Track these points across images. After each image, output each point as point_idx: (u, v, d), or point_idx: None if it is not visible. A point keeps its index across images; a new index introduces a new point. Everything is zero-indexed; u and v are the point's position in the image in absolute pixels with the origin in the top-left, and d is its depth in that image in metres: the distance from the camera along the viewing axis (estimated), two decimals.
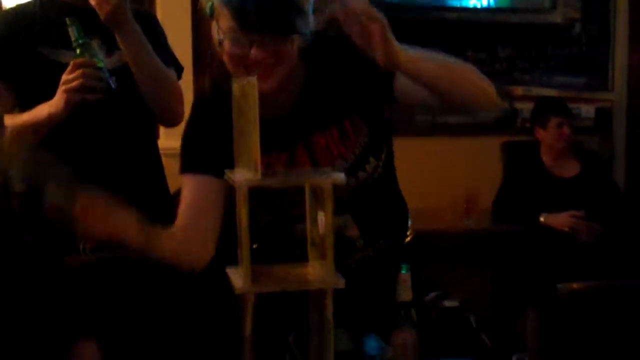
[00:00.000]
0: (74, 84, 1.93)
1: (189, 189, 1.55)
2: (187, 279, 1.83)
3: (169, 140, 2.49)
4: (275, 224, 1.59)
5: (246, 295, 1.08)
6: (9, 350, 1.49)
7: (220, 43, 1.44)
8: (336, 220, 1.13)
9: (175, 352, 1.73)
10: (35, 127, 2.02)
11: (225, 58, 1.45)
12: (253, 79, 1.10)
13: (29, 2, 2.24)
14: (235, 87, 1.19)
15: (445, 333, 1.93)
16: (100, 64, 1.98)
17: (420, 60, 1.37)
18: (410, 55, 1.34)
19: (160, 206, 2.16)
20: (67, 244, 2.02)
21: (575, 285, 2.27)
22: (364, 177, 1.58)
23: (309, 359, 1.25)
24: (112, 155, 2.13)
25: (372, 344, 1.44)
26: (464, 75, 1.48)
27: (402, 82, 1.49)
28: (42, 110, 2.01)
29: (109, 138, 2.14)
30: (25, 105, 2.08)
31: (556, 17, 4.20)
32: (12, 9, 2.24)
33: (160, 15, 3.44)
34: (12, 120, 2.00)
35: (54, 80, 2.02)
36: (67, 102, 1.95)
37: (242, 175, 1.11)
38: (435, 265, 2.21)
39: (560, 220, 3.42)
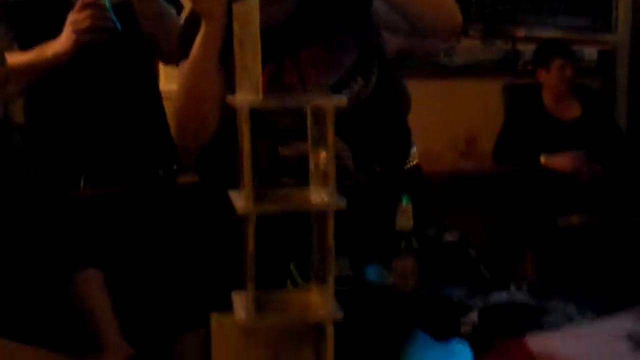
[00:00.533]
0: (83, 24, 1.92)
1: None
2: (189, 207, 1.85)
3: (170, 84, 2.48)
4: (262, 145, 1.59)
5: (248, 216, 1.09)
6: (12, 279, 1.51)
7: None
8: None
9: (177, 278, 1.74)
10: (37, 66, 2.00)
11: None
12: (255, 2, 1.09)
13: None
14: (236, 9, 1.18)
15: (445, 264, 1.95)
16: (107, 4, 1.96)
17: None
18: None
19: (161, 147, 2.17)
20: (68, 178, 2.04)
21: (575, 220, 2.29)
22: (350, 97, 1.58)
23: (310, 284, 1.26)
24: (112, 95, 2.13)
25: (372, 271, 1.46)
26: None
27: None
28: (47, 50, 1.99)
29: (109, 77, 2.13)
30: (25, 43, 2.06)
31: None
32: None
33: None
34: (12, 59, 1.99)
35: (56, 18, 2.01)
36: (76, 42, 1.93)
37: (244, 97, 1.11)
38: (436, 206, 2.22)
39: (561, 161, 3.43)
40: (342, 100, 1.11)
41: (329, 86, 1.57)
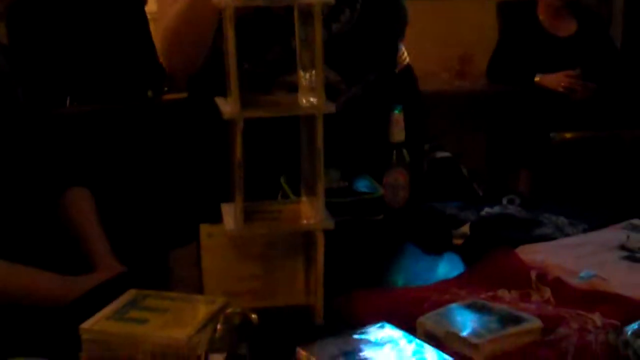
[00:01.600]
0: None
1: None
2: (176, 122, 1.81)
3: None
4: (256, 72, 1.54)
5: (236, 121, 1.05)
6: (1, 201, 1.48)
7: None
8: None
9: (166, 194, 1.72)
10: None
11: None
12: None
13: None
14: None
15: (438, 180, 1.93)
16: None
17: None
18: None
19: (151, 68, 2.13)
20: (54, 97, 2.00)
21: (568, 135, 2.26)
22: (338, 29, 1.55)
23: (300, 195, 1.23)
24: (99, 15, 2.08)
25: (363, 182, 1.43)
26: None
27: None
28: None
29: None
30: None
31: None
32: None
33: None
34: None
35: None
36: None
37: None
38: (430, 126, 2.19)
39: (555, 79, 3.39)
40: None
41: None
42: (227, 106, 1.07)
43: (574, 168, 2.28)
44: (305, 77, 1.14)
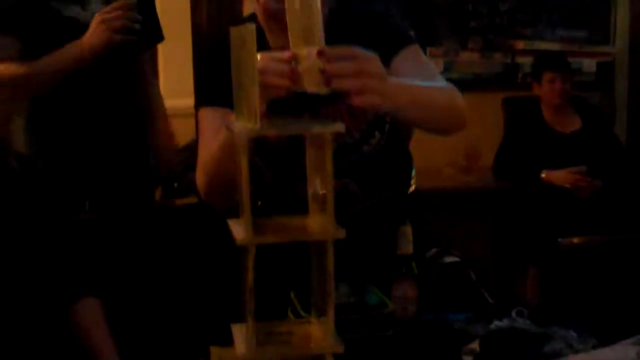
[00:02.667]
0: (117, 23, 1.91)
1: (208, 121, 1.51)
2: (188, 233, 1.83)
3: (173, 99, 2.49)
4: (279, 183, 1.58)
5: (248, 247, 1.06)
6: (11, 306, 1.49)
7: None
8: (337, 183, 1.11)
9: (177, 307, 1.72)
10: (58, 68, 1.97)
11: (258, 11, 1.43)
12: (251, 25, 1.07)
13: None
14: (234, 34, 1.16)
15: (446, 288, 1.92)
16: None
17: (409, 110, 1.33)
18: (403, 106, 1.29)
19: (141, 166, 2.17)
20: (71, 201, 2.02)
21: (576, 240, 2.27)
22: (368, 151, 1.59)
23: (311, 313, 1.24)
24: (111, 118, 2.12)
25: (372, 296, 1.44)
26: (444, 112, 1.47)
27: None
28: (69, 50, 1.97)
29: (109, 103, 2.13)
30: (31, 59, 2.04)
31: None
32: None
33: None
34: (25, 67, 1.97)
35: (64, 36, 1.99)
36: (109, 40, 1.92)
37: (242, 125, 1.09)
38: (436, 222, 2.20)
39: (561, 176, 3.40)
40: (340, 127, 1.09)
41: (350, 145, 1.55)
42: (240, 231, 1.09)
43: (582, 272, 2.28)
44: (315, 201, 1.16)
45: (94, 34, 1.94)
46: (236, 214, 1.12)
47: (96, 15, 1.96)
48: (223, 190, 1.43)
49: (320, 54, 1.08)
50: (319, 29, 1.06)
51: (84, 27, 2.06)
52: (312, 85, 1.13)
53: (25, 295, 1.51)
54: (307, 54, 1.10)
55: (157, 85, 2.40)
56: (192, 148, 2.38)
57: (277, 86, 1.18)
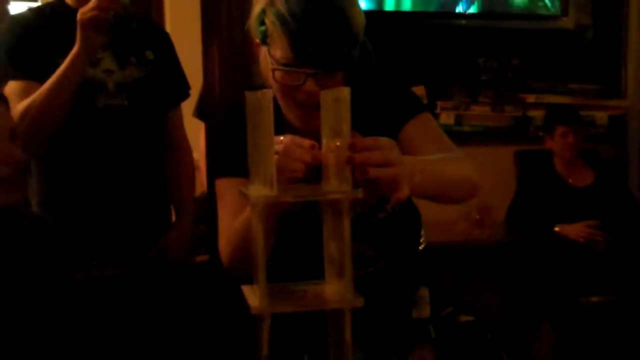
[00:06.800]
0: (88, 14, 1.90)
1: (228, 194, 1.51)
2: (200, 296, 1.80)
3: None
4: (292, 244, 1.56)
5: (262, 315, 1.04)
6: None
7: (273, 71, 1.43)
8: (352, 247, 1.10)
9: None
10: (60, 80, 1.95)
11: (274, 87, 1.43)
12: (269, 92, 1.07)
13: (40, 8, 2.21)
14: (249, 98, 1.16)
15: (462, 349, 1.88)
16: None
17: (424, 187, 1.32)
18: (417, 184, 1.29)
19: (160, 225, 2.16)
20: (79, 260, 1.99)
21: (595, 299, 2.23)
22: (383, 217, 1.58)
23: None
24: (119, 168, 2.11)
25: None
26: (457, 185, 1.47)
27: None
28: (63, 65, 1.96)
29: (118, 149, 2.12)
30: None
31: (568, 24, 4.16)
32: (26, 14, 2.18)
33: (169, 22, 3.42)
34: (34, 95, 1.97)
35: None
36: (85, 36, 1.90)
37: (258, 191, 1.07)
38: (449, 277, 2.17)
39: (575, 230, 3.37)
40: (358, 192, 1.08)
41: (367, 211, 1.55)
42: (255, 299, 1.06)
43: (599, 330, 2.24)
44: (331, 266, 1.14)
45: (79, 32, 1.93)
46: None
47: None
48: (247, 262, 1.43)
49: (351, 147, 1.11)
50: (348, 122, 1.08)
51: (94, 84, 2.06)
52: (338, 176, 1.14)
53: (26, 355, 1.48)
54: (337, 145, 1.13)
55: (186, 150, 2.36)
56: (202, 200, 2.38)
57: (295, 171, 1.21)
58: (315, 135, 1.23)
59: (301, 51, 1.38)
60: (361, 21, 1.44)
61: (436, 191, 1.39)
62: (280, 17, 1.39)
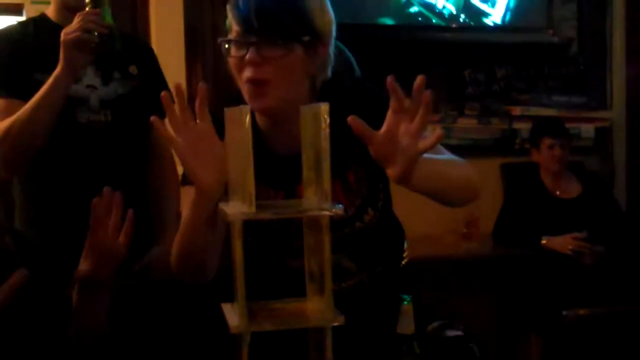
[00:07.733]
0: (71, 35, 1.87)
1: (186, 199, 1.50)
2: (184, 311, 1.79)
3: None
4: (269, 258, 1.55)
5: (242, 334, 1.03)
6: None
7: (222, 45, 1.44)
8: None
9: None
10: (43, 100, 1.93)
11: (230, 64, 1.44)
12: (246, 107, 1.06)
13: (22, 23, 2.19)
14: (228, 114, 1.15)
15: None
16: (109, 20, 1.92)
17: (426, 179, 1.32)
18: (421, 176, 1.29)
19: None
20: (66, 276, 1.97)
21: (581, 311, 2.23)
22: (361, 227, 1.57)
23: None
24: (101, 184, 2.10)
25: None
26: (460, 185, 1.48)
27: None
28: (46, 85, 1.94)
29: (100, 165, 2.11)
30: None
31: (553, 37, 4.18)
32: (8, 29, 2.17)
33: (154, 38, 3.41)
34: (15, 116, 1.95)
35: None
36: (67, 56, 1.88)
37: (236, 208, 1.06)
38: (436, 291, 2.16)
39: (562, 242, 3.37)
40: (338, 210, 1.07)
41: (343, 220, 1.53)
42: (234, 318, 1.05)
43: (586, 343, 2.23)
44: (312, 282, 1.13)
45: (62, 52, 1.91)
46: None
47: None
48: (189, 265, 1.45)
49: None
50: (327, 138, 1.08)
51: (76, 100, 2.05)
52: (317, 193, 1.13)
53: None
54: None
55: (171, 164, 2.33)
56: None
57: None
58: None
59: (245, 20, 1.39)
60: (318, 11, 1.43)
61: (439, 187, 1.40)
62: None
